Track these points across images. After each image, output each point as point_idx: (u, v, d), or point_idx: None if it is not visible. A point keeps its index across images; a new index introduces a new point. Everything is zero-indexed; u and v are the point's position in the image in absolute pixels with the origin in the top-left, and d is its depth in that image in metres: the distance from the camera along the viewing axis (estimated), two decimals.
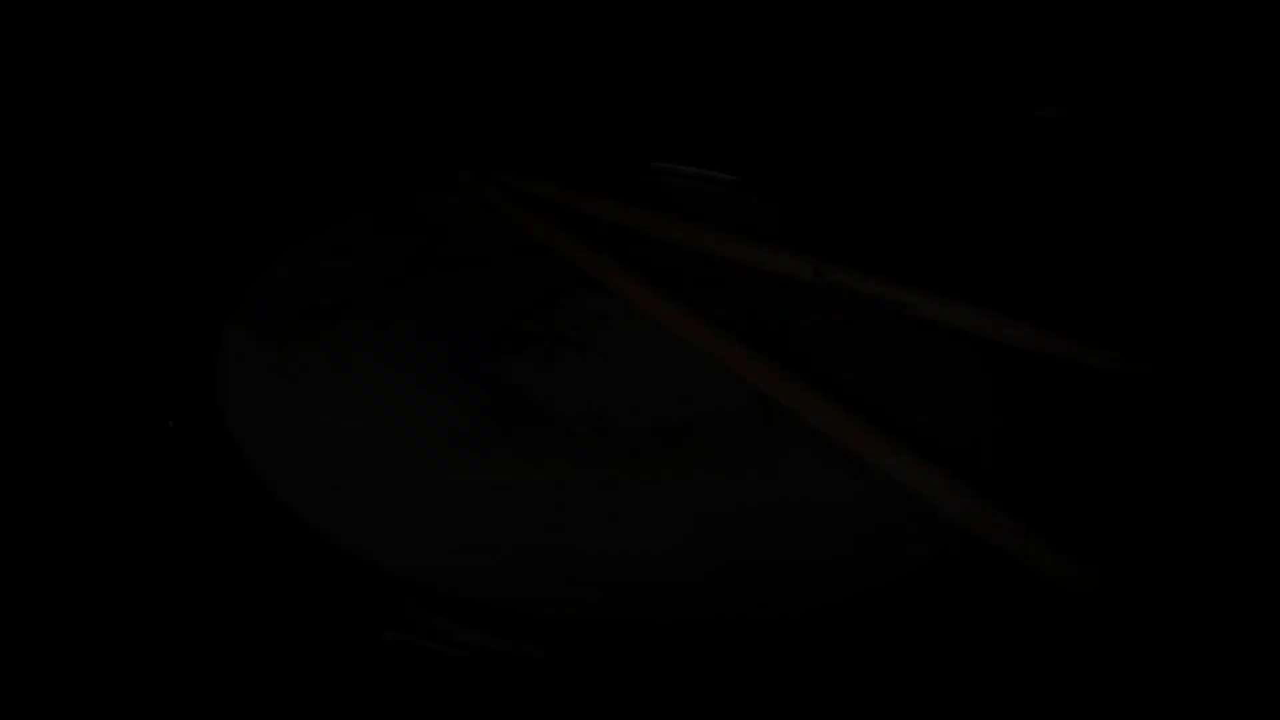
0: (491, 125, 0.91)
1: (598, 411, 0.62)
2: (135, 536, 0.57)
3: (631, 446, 0.60)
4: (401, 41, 0.96)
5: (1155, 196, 0.85)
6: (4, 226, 0.77)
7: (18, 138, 0.84)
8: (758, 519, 0.57)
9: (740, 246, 0.75)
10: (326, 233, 0.76)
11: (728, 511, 0.57)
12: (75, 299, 0.71)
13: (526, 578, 0.53)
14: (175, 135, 0.86)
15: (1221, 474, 0.62)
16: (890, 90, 0.95)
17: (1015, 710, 0.51)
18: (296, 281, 0.71)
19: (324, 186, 0.80)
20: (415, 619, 0.50)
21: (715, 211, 0.79)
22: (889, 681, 0.53)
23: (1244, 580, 0.56)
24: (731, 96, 0.95)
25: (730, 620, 0.51)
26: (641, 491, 0.58)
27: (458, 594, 0.51)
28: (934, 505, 0.57)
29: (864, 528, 0.57)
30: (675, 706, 0.51)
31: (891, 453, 0.59)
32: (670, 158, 0.84)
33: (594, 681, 0.50)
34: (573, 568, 0.54)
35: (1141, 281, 0.77)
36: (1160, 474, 0.62)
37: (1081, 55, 0.91)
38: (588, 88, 0.95)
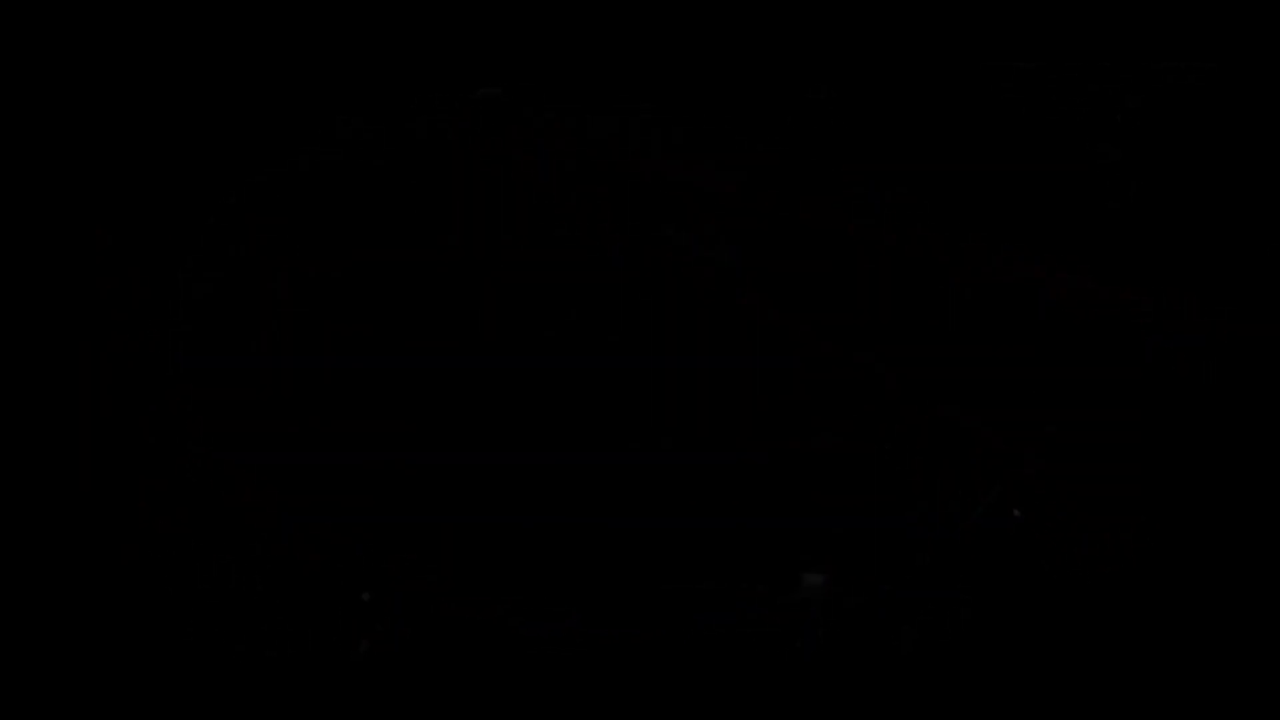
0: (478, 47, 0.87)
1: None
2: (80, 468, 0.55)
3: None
4: None
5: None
6: None
7: None
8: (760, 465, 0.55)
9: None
10: (287, 163, 0.72)
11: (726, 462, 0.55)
12: (32, 231, 0.68)
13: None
14: (146, 69, 0.82)
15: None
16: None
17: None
18: (262, 209, 0.67)
19: (302, 111, 0.76)
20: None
21: None
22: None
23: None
24: None
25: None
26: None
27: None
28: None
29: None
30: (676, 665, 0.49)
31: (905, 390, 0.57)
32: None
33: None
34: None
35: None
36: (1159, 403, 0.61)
37: None
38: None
